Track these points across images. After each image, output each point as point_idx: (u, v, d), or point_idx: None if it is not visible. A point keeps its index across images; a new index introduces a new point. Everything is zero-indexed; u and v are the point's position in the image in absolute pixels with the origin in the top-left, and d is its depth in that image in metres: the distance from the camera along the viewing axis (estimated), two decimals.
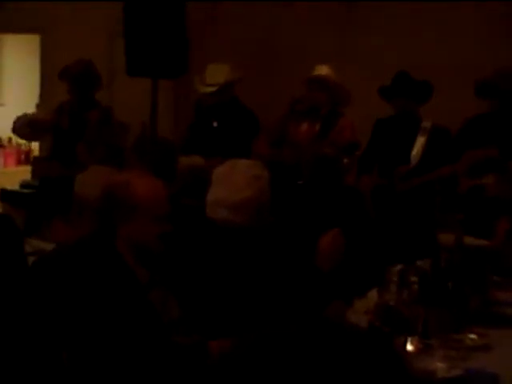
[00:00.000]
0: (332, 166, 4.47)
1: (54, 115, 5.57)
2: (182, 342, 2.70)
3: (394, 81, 5.26)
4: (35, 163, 5.83)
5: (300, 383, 2.34)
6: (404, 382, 2.42)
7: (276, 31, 7.05)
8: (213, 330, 2.84)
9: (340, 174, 4.57)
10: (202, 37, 6.90)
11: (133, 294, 2.64)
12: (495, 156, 4.85)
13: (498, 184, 4.83)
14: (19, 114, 5.69)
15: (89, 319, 2.54)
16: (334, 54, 6.49)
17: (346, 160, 5.11)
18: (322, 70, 5.51)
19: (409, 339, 2.77)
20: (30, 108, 8.09)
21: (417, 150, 5.24)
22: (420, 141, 5.24)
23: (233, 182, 3.17)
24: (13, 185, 6.28)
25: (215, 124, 5.87)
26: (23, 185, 6.13)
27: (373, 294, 3.32)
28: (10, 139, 8.91)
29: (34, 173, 5.74)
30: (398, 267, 3.22)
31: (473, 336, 2.94)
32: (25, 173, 6.95)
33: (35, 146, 8.42)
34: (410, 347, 2.76)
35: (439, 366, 2.64)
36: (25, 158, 8.92)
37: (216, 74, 5.73)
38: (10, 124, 5.69)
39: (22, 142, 8.46)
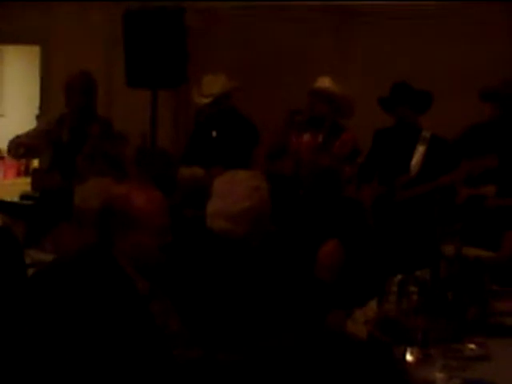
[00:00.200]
0: (332, 178, 4.48)
1: (55, 127, 5.58)
2: (188, 356, 2.70)
3: (392, 91, 5.26)
4: (35, 175, 5.81)
5: None
6: None
7: (275, 41, 7.06)
8: (214, 341, 2.84)
9: (340, 185, 4.57)
10: (201, 47, 6.91)
11: (133, 305, 2.64)
12: (494, 165, 4.85)
13: (499, 195, 4.84)
14: (19, 124, 5.69)
15: (89, 331, 2.54)
16: (334, 65, 6.51)
17: (347, 168, 5.12)
18: (324, 82, 5.49)
19: (408, 349, 2.77)
20: (30, 119, 8.15)
21: (416, 159, 5.24)
22: (419, 150, 5.25)
23: (232, 193, 3.19)
24: (12, 196, 6.27)
25: (214, 134, 5.88)
26: (23, 196, 6.12)
27: (372, 304, 3.33)
28: None
29: (33, 185, 5.73)
30: (398, 277, 3.23)
31: (472, 346, 2.94)
32: (24, 184, 6.93)
33: None
34: (409, 357, 2.76)
35: (439, 376, 2.64)
36: (24, 169, 8.91)
37: (212, 85, 5.75)
38: (9, 135, 5.69)
39: None
